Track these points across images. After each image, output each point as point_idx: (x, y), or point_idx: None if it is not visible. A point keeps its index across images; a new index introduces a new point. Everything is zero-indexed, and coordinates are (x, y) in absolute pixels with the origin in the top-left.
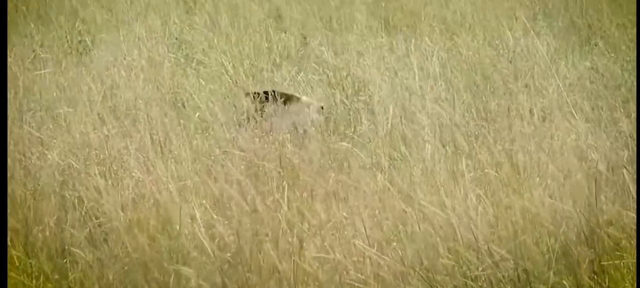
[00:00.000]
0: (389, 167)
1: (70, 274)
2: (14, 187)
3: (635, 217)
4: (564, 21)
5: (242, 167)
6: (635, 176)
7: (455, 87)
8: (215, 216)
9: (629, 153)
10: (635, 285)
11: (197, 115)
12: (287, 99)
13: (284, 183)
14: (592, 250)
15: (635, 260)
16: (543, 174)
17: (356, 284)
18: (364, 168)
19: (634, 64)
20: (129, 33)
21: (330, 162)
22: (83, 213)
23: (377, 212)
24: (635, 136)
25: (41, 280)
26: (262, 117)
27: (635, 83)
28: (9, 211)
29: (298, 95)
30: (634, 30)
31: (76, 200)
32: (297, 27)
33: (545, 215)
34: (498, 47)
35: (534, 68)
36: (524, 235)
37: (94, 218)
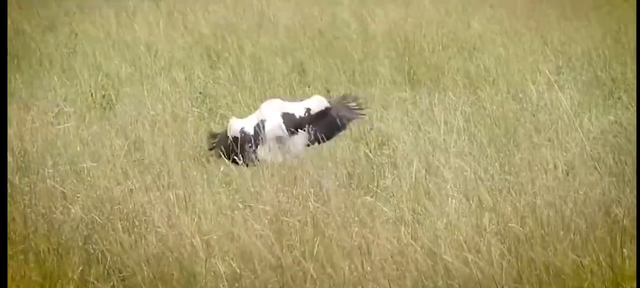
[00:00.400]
0: (413, 222)
1: None
2: (37, 241)
3: None
4: (588, 75)
5: (266, 221)
6: None
7: (478, 141)
8: (239, 270)
9: None
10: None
11: (221, 169)
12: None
13: (308, 237)
14: None
15: None
16: (567, 228)
17: None
18: (387, 222)
19: None
20: (153, 87)
21: (353, 216)
22: (106, 267)
23: (400, 266)
24: None
25: None
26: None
27: None
28: (31, 265)
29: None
30: None
31: (100, 255)
32: (320, 82)
33: (569, 270)
34: (522, 100)
35: (558, 122)
36: None
37: (117, 273)
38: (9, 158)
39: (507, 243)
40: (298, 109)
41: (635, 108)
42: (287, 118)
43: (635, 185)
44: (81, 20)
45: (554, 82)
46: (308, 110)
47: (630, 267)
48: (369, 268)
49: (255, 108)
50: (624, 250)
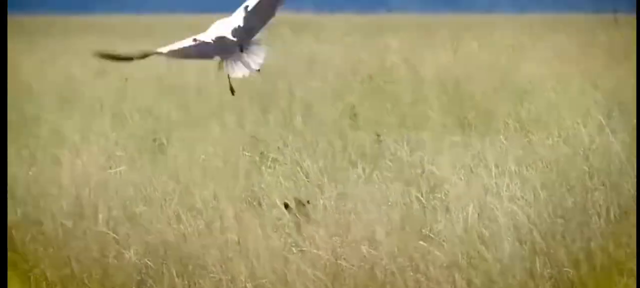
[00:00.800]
0: (467, 266)
1: None
2: (91, 286)
3: None
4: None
5: (319, 265)
6: None
7: (531, 185)
8: None
9: None
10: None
11: (273, 212)
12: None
13: (361, 282)
14: None
15: None
16: (620, 272)
17: None
18: (441, 267)
19: None
20: (205, 131)
21: (407, 261)
22: None
23: None
24: None
25: None
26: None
27: None
28: None
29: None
30: None
31: None
32: (371, 125)
33: None
34: (573, 144)
35: (610, 165)
36: None
37: None
38: (63, 203)
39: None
40: (239, 17)
41: None
42: (238, 32)
43: (636, 185)
44: (131, 64)
45: (605, 125)
46: (245, 7)
47: None
48: None
49: (307, 152)
50: None
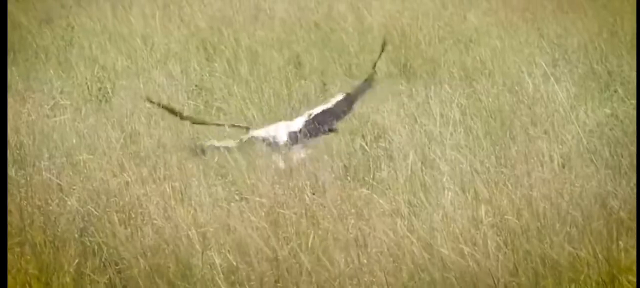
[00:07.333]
0: (409, 214)
1: None
2: (33, 234)
3: None
4: (584, 68)
5: (262, 213)
6: None
7: (474, 133)
8: (235, 263)
9: None
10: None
11: (216, 160)
12: None
13: (304, 230)
14: None
15: None
16: (563, 221)
17: None
18: (383, 215)
19: None
20: (149, 80)
21: (350, 209)
22: (103, 260)
23: (396, 259)
24: None
25: None
26: None
27: None
28: (28, 257)
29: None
30: None
31: (96, 247)
32: (316, 74)
33: (565, 262)
34: (518, 93)
35: (554, 114)
36: (544, 281)
37: (113, 265)
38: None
39: (503, 235)
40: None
41: (632, 101)
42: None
43: (636, 181)
44: (78, 13)
45: (550, 74)
46: (309, 115)
47: (626, 259)
48: (365, 261)
49: (251, 101)
50: (620, 242)
